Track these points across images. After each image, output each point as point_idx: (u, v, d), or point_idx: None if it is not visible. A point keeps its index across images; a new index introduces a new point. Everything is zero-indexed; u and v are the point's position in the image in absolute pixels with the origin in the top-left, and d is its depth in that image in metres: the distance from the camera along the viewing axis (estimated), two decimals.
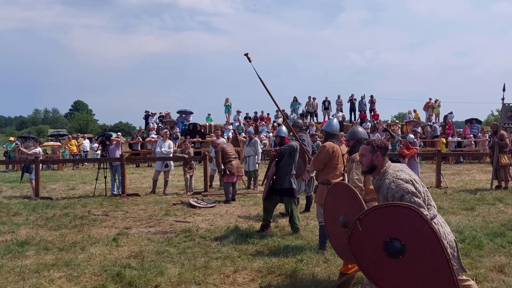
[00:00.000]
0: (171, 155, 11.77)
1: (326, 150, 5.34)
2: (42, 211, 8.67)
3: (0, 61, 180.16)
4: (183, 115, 24.95)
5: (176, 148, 18.73)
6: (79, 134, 25.87)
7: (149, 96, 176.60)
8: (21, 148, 13.60)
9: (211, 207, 8.87)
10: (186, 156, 11.28)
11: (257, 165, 11.50)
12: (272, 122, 24.73)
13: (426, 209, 3.02)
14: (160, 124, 23.49)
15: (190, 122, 24.09)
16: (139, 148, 21.55)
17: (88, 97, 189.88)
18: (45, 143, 22.72)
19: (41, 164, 11.39)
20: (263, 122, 24.22)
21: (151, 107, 26.88)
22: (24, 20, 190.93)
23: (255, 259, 5.23)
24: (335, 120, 5.99)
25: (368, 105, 25.14)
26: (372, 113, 25.04)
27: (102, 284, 4.38)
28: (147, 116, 24.81)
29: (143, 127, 24.45)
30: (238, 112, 24.59)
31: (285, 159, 6.55)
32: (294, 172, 6.65)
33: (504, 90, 11.12)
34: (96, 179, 11.19)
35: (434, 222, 3.03)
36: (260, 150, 12.23)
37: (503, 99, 11.13)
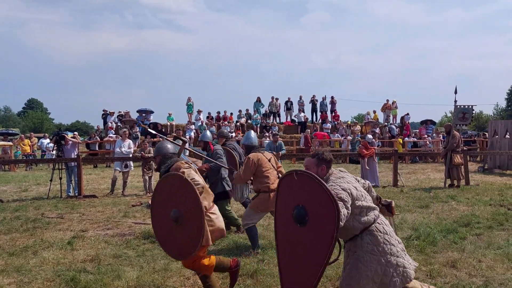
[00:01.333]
0: (130, 155, 11.49)
1: (252, 161, 5.66)
2: None
3: None
4: (143, 114, 24.45)
5: (135, 148, 18.32)
6: (32, 133, 24.72)
7: (108, 95, 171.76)
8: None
9: None
10: (147, 155, 11.03)
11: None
12: (234, 122, 24.70)
13: (362, 215, 3.12)
14: (119, 124, 22.89)
15: (151, 121, 23.64)
16: (97, 148, 20.92)
17: (43, 95, 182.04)
18: None
19: None
20: (226, 122, 24.14)
21: (110, 106, 26.00)
22: None
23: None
24: (252, 133, 6.29)
25: (329, 106, 25.61)
26: (333, 114, 25.53)
27: None
28: (105, 115, 24.09)
29: (101, 127, 23.74)
30: (199, 112, 24.37)
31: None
32: (226, 175, 6.71)
33: (456, 92, 11.66)
34: (51, 180, 10.72)
35: (378, 222, 3.14)
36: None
37: (455, 101, 11.66)
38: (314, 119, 25.51)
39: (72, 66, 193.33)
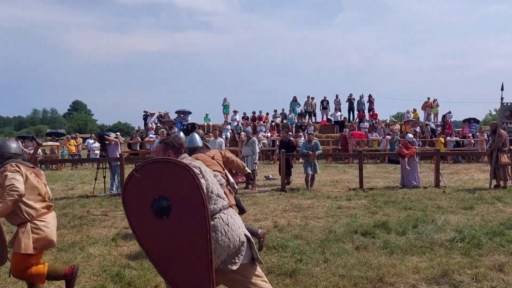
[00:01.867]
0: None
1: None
2: None
3: None
4: (182, 115, 24.94)
5: None
6: (77, 134, 25.81)
7: (148, 96, 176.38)
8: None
9: None
10: None
11: (255, 164, 11.52)
12: (270, 122, 24.74)
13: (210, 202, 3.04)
14: (158, 124, 23.47)
15: (189, 122, 24.09)
16: (138, 148, 21.54)
17: (87, 97, 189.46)
18: (44, 143, 22.65)
19: (40, 164, 11.36)
20: (261, 122, 24.23)
21: (150, 107, 26.85)
22: (22, 19, 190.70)
23: None
24: (196, 135, 6.23)
25: (366, 105, 25.16)
26: (371, 113, 25.08)
27: (101, 284, 4.38)
28: (146, 116, 24.79)
29: (142, 127, 24.44)
30: (235, 112, 24.58)
31: None
32: None
33: (502, 89, 11.15)
34: (95, 179, 11.17)
35: (223, 212, 3.08)
36: (258, 150, 12.27)
37: (502, 98, 11.17)
38: (351, 118, 25.14)
39: (114, 69, 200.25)
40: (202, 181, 2.91)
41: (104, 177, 11.08)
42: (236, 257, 3.01)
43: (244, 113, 25.74)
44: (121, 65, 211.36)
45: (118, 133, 19.93)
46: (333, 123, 24.62)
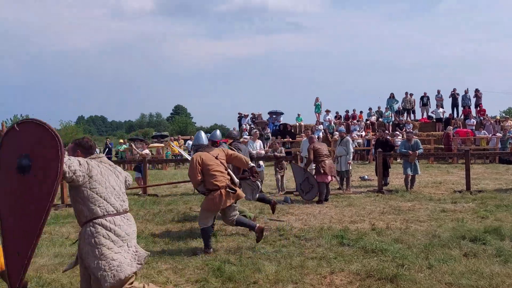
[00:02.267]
0: (262, 155, 12.00)
1: (193, 162, 5.66)
2: (149, 207, 9.43)
3: (112, 72, 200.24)
4: (274, 116, 25.32)
5: (267, 148, 19.07)
6: (180, 136, 27.61)
7: (242, 98, 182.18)
8: (135, 149, 14.82)
9: None
10: (279, 154, 11.42)
11: (349, 165, 11.25)
12: (364, 120, 23.96)
13: (93, 202, 3.18)
14: (252, 125, 24.12)
15: (281, 122, 24.37)
16: None
17: (187, 101, 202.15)
18: (151, 145, 24.64)
19: (148, 164, 12.39)
20: (355, 121, 23.57)
21: (244, 109, 27.83)
22: (130, 33, 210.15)
23: (352, 261, 5.11)
24: (202, 133, 6.42)
25: (473, 100, 23.09)
26: (478, 109, 22.95)
27: (204, 277, 4.63)
28: (240, 118, 25.65)
29: (237, 128, 25.32)
30: (327, 112, 24.23)
31: None
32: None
33: None
34: None
35: (106, 219, 3.18)
36: (352, 150, 11.95)
37: None
38: (455, 115, 23.26)
39: (211, 74, 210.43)
40: (80, 169, 3.10)
41: None
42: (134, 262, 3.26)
43: (337, 112, 25.28)
44: (218, 70, 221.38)
45: None
46: (434, 120, 23.03)
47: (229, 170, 5.85)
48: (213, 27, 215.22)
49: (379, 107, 24.64)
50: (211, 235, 5.90)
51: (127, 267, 3.20)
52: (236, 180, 5.85)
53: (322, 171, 9.42)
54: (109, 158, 23.46)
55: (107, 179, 3.31)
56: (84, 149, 3.43)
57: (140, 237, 6.54)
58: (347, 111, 25.01)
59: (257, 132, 13.22)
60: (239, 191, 5.82)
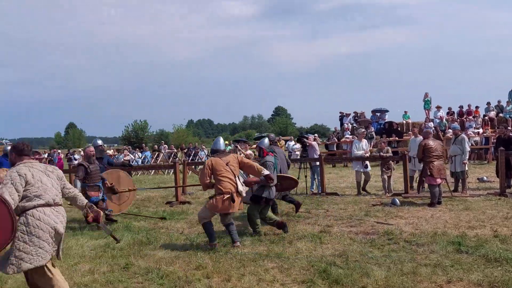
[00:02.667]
0: (367, 155, 11.58)
1: (206, 165, 6.19)
2: None
3: (217, 77, 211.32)
4: (378, 114, 24.29)
5: (371, 147, 18.38)
6: (280, 137, 28.01)
7: (344, 97, 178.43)
8: (240, 149, 15.39)
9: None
10: (385, 154, 10.92)
11: (464, 165, 10.30)
12: (481, 116, 21.75)
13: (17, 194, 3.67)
14: (354, 124, 23.44)
15: (386, 120, 23.28)
16: (335, 149, 21.96)
17: (287, 102, 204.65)
18: (253, 146, 25.40)
19: None
20: (471, 117, 21.50)
21: (345, 108, 27.17)
22: (229, 37, 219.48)
23: (472, 270, 4.66)
24: (221, 139, 6.74)
25: None
26: None
27: (310, 278, 4.61)
28: (341, 117, 25.10)
29: (338, 128, 24.83)
30: (438, 108, 22.46)
31: None
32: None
33: None
34: (298, 178, 11.87)
35: (37, 210, 3.71)
36: (468, 149, 10.91)
37: None
38: None
39: (310, 74, 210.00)
40: (18, 188, 3.68)
41: (306, 176, 11.69)
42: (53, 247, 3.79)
43: (449, 108, 23.32)
44: (318, 70, 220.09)
45: (316, 135, 20.78)
46: None
47: (237, 178, 6.16)
48: (314, 27, 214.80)
49: (499, 101, 22.17)
50: (213, 227, 6.25)
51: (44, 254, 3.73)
52: (241, 188, 6.15)
53: (429, 173, 8.75)
54: None
55: (40, 179, 3.86)
56: (17, 152, 3.98)
57: (246, 235, 6.78)
58: (461, 107, 22.92)
59: (364, 131, 12.84)
60: (237, 203, 6.09)
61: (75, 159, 25.22)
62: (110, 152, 27.59)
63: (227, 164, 6.14)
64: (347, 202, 9.69)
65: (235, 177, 6.12)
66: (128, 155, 22.10)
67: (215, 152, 6.50)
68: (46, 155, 26.58)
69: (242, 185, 6.26)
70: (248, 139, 32.59)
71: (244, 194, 6.26)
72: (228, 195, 5.98)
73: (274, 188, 6.97)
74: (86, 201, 4.28)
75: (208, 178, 6.13)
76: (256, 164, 6.46)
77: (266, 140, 7.66)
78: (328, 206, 9.31)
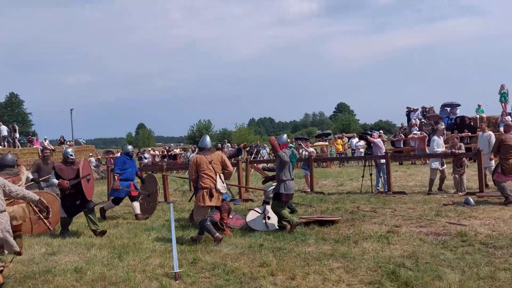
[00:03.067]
0: (440, 152, 10.98)
1: (192, 162, 6.74)
2: (317, 204, 9.61)
3: (277, 75, 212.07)
4: (448, 109, 22.94)
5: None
6: (343, 134, 27.45)
7: (410, 92, 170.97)
8: (304, 147, 15.32)
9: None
10: (458, 151, 10.29)
11: None
12: None
13: None
14: (423, 120, 22.35)
15: (457, 115, 21.92)
16: (402, 146, 21.11)
17: (349, 99, 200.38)
18: (315, 143, 25.15)
19: (313, 162, 12.65)
20: None
21: (412, 103, 25.94)
22: (290, 35, 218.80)
23: None
24: (207, 137, 7.09)
25: None
26: None
27: (378, 280, 4.47)
28: (408, 112, 24.03)
29: (405, 124, 23.80)
30: None
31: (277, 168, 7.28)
32: (285, 178, 7.05)
33: None
34: (363, 176, 11.59)
35: None
36: None
37: None
38: None
39: (373, 69, 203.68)
40: None
41: (370, 174, 11.36)
42: None
43: None
44: (381, 64, 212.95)
45: (380, 131, 20.12)
46: None
47: (217, 175, 6.55)
48: (376, 21, 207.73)
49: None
50: (209, 223, 6.56)
51: None
52: (220, 186, 6.53)
53: (501, 170, 8.13)
54: None
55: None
56: None
57: (309, 234, 6.73)
58: None
59: (443, 127, 12.21)
60: (215, 198, 6.49)
61: (145, 158, 26.59)
62: (177, 150, 28.68)
63: (209, 162, 6.59)
64: (416, 201, 9.28)
65: (215, 174, 6.56)
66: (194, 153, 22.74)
67: (201, 149, 6.87)
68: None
69: (223, 182, 6.66)
70: (309, 137, 32.32)
71: (223, 191, 6.68)
72: (206, 190, 6.45)
73: (290, 183, 7.11)
74: (38, 197, 5.24)
75: (194, 173, 6.65)
76: (231, 170, 7.01)
77: (285, 136, 7.78)
78: (396, 205, 8.97)
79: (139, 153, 28.01)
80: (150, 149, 31.55)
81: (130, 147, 10.12)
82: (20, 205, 5.93)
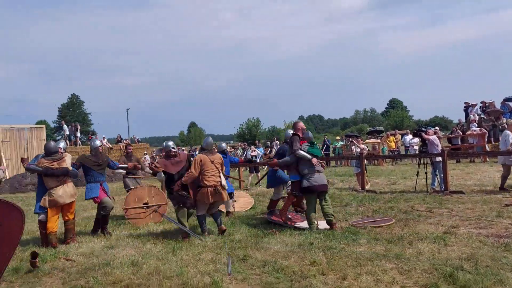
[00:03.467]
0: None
1: (196, 160, 7.06)
2: (368, 203, 9.39)
3: (327, 72, 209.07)
4: (511, 103, 21.51)
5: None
6: (396, 130, 26.60)
7: (469, 87, 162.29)
8: (356, 144, 15.05)
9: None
10: None
11: None
12: None
13: None
14: (482, 116, 21.13)
15: None
16: (459, 143, 20.09)
17: (402, 94, 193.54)
18: (366, 140, 24.57)
19: (365, 160, 12.35)
20: None
21: (471, 98, 24.52)
22: (341, 31, 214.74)
23: None
24: (209, 138, 7.43)
25: None
26: None
27: (434, 282, 4.28)
28: (467, 108, 22.82)
29: (463, 120, 22.63)
30: None
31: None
32: (306, 171, 7.10)
33: None
34: (417, 175, 11.17)
35: None
36: None
37: None
38: None
39: (427, 63, 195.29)
40: None
41: (426, 172, 10.92)
42: None
43: None
44: (436, 58, 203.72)
45: (436, 128, 19.27)
46: None
47: (220, 173, 7.07)
48: (430, 13, 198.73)
49: None
50: (205, 220, 7.17)
51: None
52: (224, 183, 7.07)
53: None
54: (327, 155, 24.54)
55: None
56: None
57: (361, 234, 6.59)
58: None
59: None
60: (224, 193, 7.02)
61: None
62: (228, 148, 29.10)
63: (212, 162, 7.04)
64: (475, 201, 8.80)
65: (219, 172, 7.07)
66: (255, 150, 22.94)
67: (202, 149, 7.36)
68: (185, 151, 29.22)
69: (226, 179, 7.39)
70: (360, 134, 31.62)
71: (226, 187, 7.20)
72: (212, 188, 6.89)
73: (318, 175, 7.09)
74: None
75: (196, 172, 6.97)
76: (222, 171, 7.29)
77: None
78: (453, 205, 8.56)
79: (190, 151, 28.76)
80: None
81: (224, 144, 10.00)
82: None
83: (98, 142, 8.13)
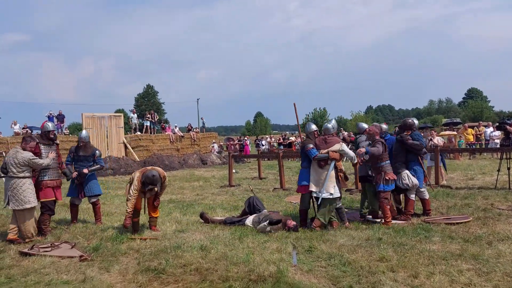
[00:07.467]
0: None
1: None
2: (443, 199, 8.87)
3: (397, 62, 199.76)
4: None
5: None
6: (481, 122, 24.82)
7: None
8: (432, 136, 14.28)
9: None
10: None
11: None
12: None
13: None
14: None
15: None
16: None
17: (483, 84, 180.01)
18: (441, 133, 23.21)
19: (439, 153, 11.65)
20: None
21: None
22: (415, 18, 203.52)
23: None
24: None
25: None
26: None
27: None
28: None
29: None
30: None
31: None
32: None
33: None
34: (498, 170, 10.34)
35: None
36: None
37: None
38: None
39: (509, 49, 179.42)
40: None
41: (508, 168, 10.06)
42: None
43: None
44: None
45: None
46: None
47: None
48: None
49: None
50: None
51: None
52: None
53: None
54: None
55: None
56: None
57: (434, 231, 6.25)
58: None
59: None
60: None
61: (263, 145, 27.51)
62: (293, 138, 29.03)
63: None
64: None
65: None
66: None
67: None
68: (237, 141, 29.79)
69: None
70: (434, 125, 29.95)
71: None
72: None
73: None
74: None
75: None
76: None
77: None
78: None
79: (256, 140, 29.09)
80: (267, 136, 32.51)
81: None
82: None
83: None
